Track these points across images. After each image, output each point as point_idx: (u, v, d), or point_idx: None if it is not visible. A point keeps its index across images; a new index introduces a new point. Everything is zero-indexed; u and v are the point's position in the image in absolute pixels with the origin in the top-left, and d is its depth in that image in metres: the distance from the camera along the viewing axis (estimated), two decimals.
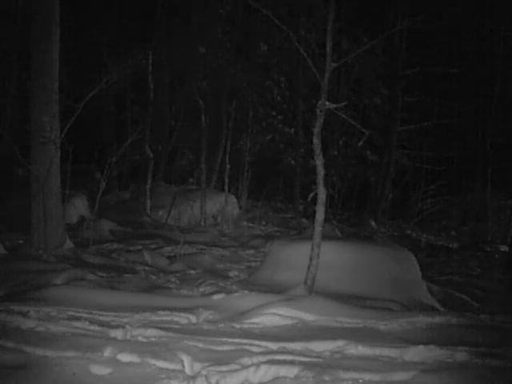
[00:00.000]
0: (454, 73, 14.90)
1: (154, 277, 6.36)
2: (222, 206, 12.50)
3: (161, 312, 4.36)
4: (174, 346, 3.51)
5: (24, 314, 4.07)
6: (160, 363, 3.19)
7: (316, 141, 5.19)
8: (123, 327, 3.87)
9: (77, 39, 13.34)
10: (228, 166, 12.94)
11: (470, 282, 8.07)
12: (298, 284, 5.14)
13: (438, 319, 4.34)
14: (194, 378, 2.99)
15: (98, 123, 15.39)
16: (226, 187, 12.80)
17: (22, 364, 3.10)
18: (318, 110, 5.24)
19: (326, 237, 5.60)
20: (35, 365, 3.10)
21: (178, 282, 6.20)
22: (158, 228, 10.84)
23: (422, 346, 3.47)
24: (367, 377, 3.02)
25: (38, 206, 7.00)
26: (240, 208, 13.19)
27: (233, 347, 3.56)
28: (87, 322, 3.98)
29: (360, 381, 2.99)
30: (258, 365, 3.12)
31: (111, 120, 15.97)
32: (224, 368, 3.12)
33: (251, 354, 3.40)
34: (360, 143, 9.44)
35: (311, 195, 15.12)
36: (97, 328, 3.89)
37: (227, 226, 11.78)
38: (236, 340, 3.69)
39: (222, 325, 4.15)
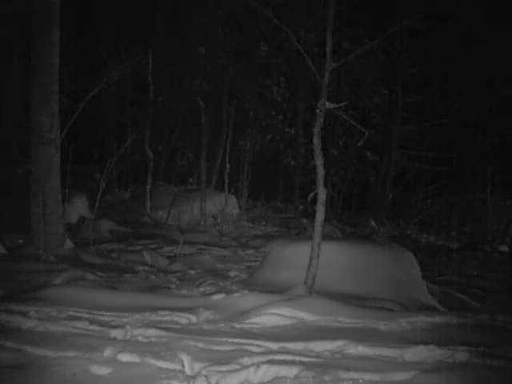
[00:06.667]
0: (454, 73, 14.90)
1: (153, 277, 6.36)
2: (222, 206, 12.51)
3: (161, 312, 4.36)
4: (174, 345, 3.50)
5: (24, 314, 4.06)
6: (160, 363, 3.18)
7: (316, 141, 5.19)
8: (123, 327, 3.86)
9: (77, 39, 13.34)
10: (228, 166, 12.95)
11: (470, 282, 8.07)
12: (297, 284, 5.14)
13: (438, 319, 4.34)
14: (193, 378, 2.99)
15: (98, 123, 15.39)
16: (226, 187, 12.81)
17: (21, 364, 3.09)
18: (317, 110, 5.24)
19: (326, 237, 5.60)
20: (35, 365, 3.10)
21: (178, 282, 6.20)
22: (158, 228, 10.84)
23: (422, 346, 3.46)
24: (367, 377, 3.02)
25: (37, 206, 6.99)
26: (240, 208, 13.19)
27: (233, 347, 3.56)
28: (87, 322, 3.98)
29: (360, 381, 2.98)
30: (257, 365, 3.12)
31: (111, 120, 15.97)
32: (224, 368, 3.11)
33: (251, 353, 3.40)
34: (360, 143, 9.41)
35: (311, 195, 15.10)
36: (97, 328, 3.88)
37: (227, 226, 11.78)
38: (236, 340, 3.69)
39: (222, 325, 4.15)
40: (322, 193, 5.18)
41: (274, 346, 3.61)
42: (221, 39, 14.43)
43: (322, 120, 5.22)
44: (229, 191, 13.05)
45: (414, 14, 10.50)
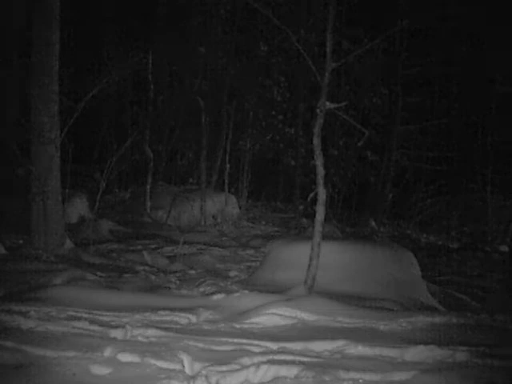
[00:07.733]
0: (454, 73, 14.89)
1: (153, 277, 6.36)
2: (222, 206, 12.51)
3: (161, 312, 4.36)
4: (174, 345, 3.50)
5: (24, 314, 4.06)
6: (160, 363, 3.18)
7: (316, 141, 5.19)
8: (123, 327, 3.86)
9: (77, 39, 13.34)
10: (228, 166, 12.95)
11: (470, 282, 8.07)
12: (297, 284, 5.14)
13: (438, 319, 4.35)
14: (194, 378, 2.99)
15: (98, 123, 15.39)
16: (226, 187, 12.81)
17: (21, 364, 3.10)
18: (318, 110, 5.24)
19: (326, 237, 5.60)
20: (35, 365, 3.10)
21: (178, 282, 6.21)
22: (158, 228, 10.84)
23: (422, 346, 3.47)
24: (367, 377, 3.02)
25: (38, 206, 7.00)
26: (240, 208, 13.19)
27: (233, 347, 3.56)
28: (87, 322, 3.98)
29: (360, 381, 2.99)
30: (258, 365, 3.12)
31: (111, 120, 15.96)
32: (224, 368, 3.12)
33: (251, 354, 3.40)
34: (360, 143, 9.41)
35: (311, 195, 15.09)
36: (97, 328, 3.89)
37: (227, 226, 11.78)
38: (236, 340, 3.69)
39: (222, 325, 4.15)
40: (322, 193, 5.18)
41: (274, 345, 3.61)
42: (221, 39, 14.43)
43: (322, 120, 5.22)
44: (229, 191, 13.05)
45: (414, 14, 10.49)
